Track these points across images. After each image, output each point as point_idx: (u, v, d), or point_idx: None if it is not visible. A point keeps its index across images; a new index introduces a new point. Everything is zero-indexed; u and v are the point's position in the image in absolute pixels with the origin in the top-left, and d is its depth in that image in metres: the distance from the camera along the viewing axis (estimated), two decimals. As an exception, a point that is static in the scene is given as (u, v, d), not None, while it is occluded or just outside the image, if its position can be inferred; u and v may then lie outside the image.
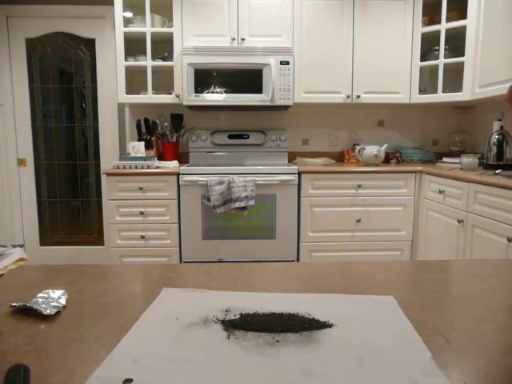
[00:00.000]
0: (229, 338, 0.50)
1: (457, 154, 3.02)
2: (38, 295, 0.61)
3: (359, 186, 2.76)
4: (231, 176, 2.63)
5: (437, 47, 2.90)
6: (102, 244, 3.49)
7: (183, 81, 2.83)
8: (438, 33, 2.85)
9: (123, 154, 3.23)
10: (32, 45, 3.28)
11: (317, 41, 2.94)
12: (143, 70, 2.95)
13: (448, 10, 2.80)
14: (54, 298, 0.61)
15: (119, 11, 2.85)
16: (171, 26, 2.90)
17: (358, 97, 2.99)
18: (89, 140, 3.44)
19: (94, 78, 3.34)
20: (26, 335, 0.51)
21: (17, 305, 0.58)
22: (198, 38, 2.90)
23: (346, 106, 3.16)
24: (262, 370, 0.43)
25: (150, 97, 2.95)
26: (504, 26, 2.35)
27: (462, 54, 2.73)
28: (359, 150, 2.96)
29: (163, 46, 3.02)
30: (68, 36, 3.29)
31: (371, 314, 0.57)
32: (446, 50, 2.86)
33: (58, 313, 0.57)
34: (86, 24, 3.27)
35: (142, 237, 2.71)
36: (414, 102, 3.01)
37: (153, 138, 3.08)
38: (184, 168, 2.70)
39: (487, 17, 2.53)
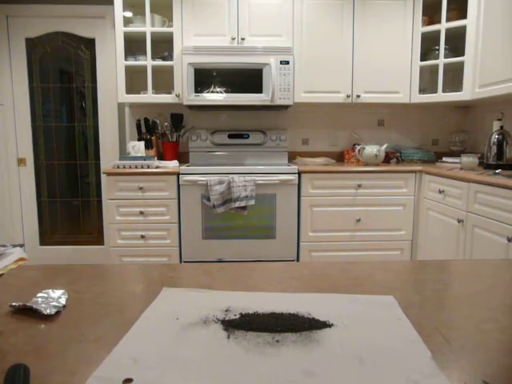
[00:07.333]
0: (229, 337, 0.50)
1: (457, 154, 3.02)
2: (38, 295, 0.61)
3: (359, 186, 2.76)
4: (231, 176, 2.63)
5: (437, 47, 2.90)
6: (102, 244, 3.49)
7: (183, 80, 2.83)
8: (437, 32, 2.85)
9: (123, 154, 3.23)
10: (32, 45, 3.28)
11: (317, 40, 2.94)
12: (143, 69, 2.95)
13: (448, 10, 2.80)
14: (53, 297, 0.61)
15: (119, 11, 2.85)
16: (171, 26, 2.90)
17: (358, 96, 2.99)
18: (89, 140, 3.43)
19: (94, 77, 3.34)
20: (26, 335, 0.51)
21: (17, 305, 0.58)
22: (197, 37, 2.90)
23: (346, 105, 3.16)
24: (262, 370, 0.43)
25: (149, 96, 2.95)
26: (504, 26, 2.35)
27: (462, 54, 2.73)
28: (359, 150, 2.96)
29: (163, 46, 3.02)
30: (68, 36, 3.29)
31: (371, 314, 0.57)
32: (446, 49, 2.86)
33: (57, 313, 0.57)
34: (85, 24, 3.26)
35: (142, 236, 2.71)
36: (414, 102, 3.01)
37: (153, 138, 3.08)
38: (184, 168, 2.70)
39: (487, 17, 2.52)
